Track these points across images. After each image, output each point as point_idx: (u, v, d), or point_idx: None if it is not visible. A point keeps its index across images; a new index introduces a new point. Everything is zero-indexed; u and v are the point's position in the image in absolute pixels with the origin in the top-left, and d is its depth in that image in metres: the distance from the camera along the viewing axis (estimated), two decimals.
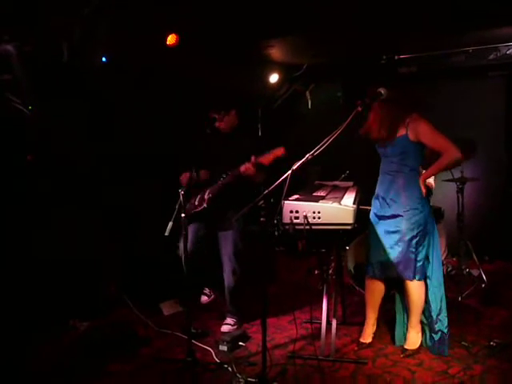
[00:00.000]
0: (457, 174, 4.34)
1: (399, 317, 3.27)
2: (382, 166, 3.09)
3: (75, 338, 3.46)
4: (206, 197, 3.50)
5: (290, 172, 2.33)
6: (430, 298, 3.06)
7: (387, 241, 2.99)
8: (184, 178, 3.55)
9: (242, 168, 3.29)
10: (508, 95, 5.33)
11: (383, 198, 3.02)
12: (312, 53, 5.14)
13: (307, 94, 5.92)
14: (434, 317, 3.06)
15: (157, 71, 4.15)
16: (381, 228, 3.03)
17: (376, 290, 3.17)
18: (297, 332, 3.06)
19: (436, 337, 3.07)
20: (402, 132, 2.90)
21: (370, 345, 3.24)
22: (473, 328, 3.50)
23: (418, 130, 2.87)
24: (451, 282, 4.31)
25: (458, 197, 4.35)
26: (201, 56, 4.44)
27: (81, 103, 3.67)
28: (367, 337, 3.24)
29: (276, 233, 2.68)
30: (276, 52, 5.17)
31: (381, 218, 3.03)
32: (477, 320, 3.66)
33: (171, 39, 3.89)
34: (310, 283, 4.45)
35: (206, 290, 3.78)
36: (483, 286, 4.29)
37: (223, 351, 3.22)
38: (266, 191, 2.35)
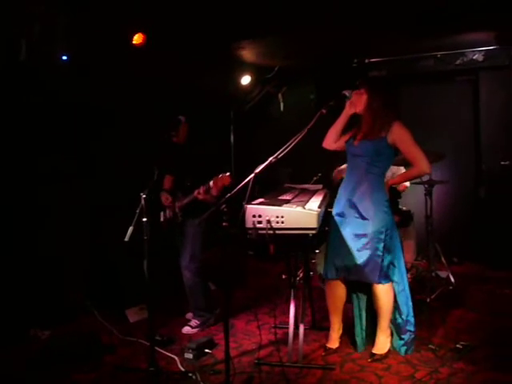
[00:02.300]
0: (425, 177, 4.36)
1: (358, 321, 3.24)
2: (350, 165, 3.08)
3: (37, 347, 3.33)
4: (178, 211, 3.70)
5: (252, 175, 2.28)
6: (399, 301, 3.08)
7: (354, 244, 2.96)
8: (167, 181, 3.88)
9: (195, 193, 3.47)
10: (474, 99, 5.41)
11: (349, 199, 2.99)
12: (283, 55, 5.12)
13: (279, 96, 5.89)
14: (404, 318, 3.09)
15: (123, 71, 4.05)
16: (346, 230, 2.99)
17: (338, 294, 3.14)
18: (261, 338, 3.02)
19: (406, 337, 3.10)
20: (383, 133, 2.92)
21: (337, 350, 3.21)
22: (440, 331, 3.51)
23: (398, 136, 2.90)
24: (420, 284, 4.33)
25: (426, 199, 4.37)
26: (169, 57, 4.37)
27: (38, 103, 3.55)
28: (334, 342, 3.21)
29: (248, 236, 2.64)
30: (247, 53, 5.15)
31: (346, 219, 3.00)
32: (444, 322, 3.67)
33: (138, 39, 3.82)
34: (281, 288, 4.42)
35: (191, 322, 3.73)
36: (451, 288, 4.32)
37: (188, 359, 3.14)
38: (228, 195, 2.30)
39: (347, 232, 2.98)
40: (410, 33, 4.54)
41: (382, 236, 2.93)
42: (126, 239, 2.66)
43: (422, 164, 2.90)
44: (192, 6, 3.62)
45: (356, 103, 3.00)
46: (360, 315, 3.22)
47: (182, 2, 3.53)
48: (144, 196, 2.76)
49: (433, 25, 4.28)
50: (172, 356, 3.21)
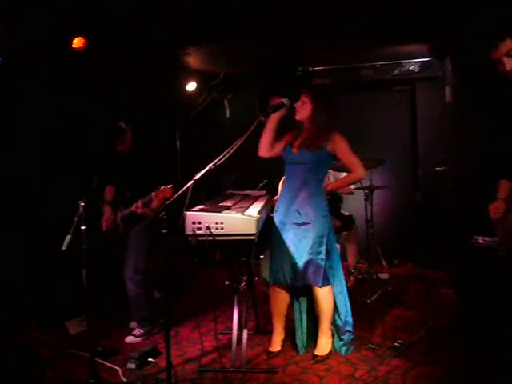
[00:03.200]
0: (366, 182, 4.52)
1: (298, 324, 3.31)
2: (290, 172, 3.15)
3: None
4: (120, 223, 3.63)
5: (191, 182, 2.28)
6: (338, 302, 3.19)
7: (297, 249, 3.03)
8: (109, 191, 3.76)
9: (134, 207, 3.43)
10: (411, 107, 5.67)
11: (290, 205, 3.07)
12: (227, 62, 5.17)
13: (225, 102, 5.93)
14: (343, 319, 3.21)
15: (63, 75, 3.94)
16: (288, 235, 3.07)
17: (280, 298, 3.21)
18: (202, 345, 3.02)
19: (345, 338, 3.22)
20: (323, 142, 3.03)
21: (280, 353, 3.26)
22: (379, 330, 3.64)
23: (337, 146, 3.04)
24: (361, 286, 4.47)
25: (365, 204, 4.53)
26: (113, 62, 4.31)
27: None
28: (276, 345, 3.26)
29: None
30: (193, 60, 5.15)
31: (287, 225, 3.08)
32: (383, 322, 3.81)
33: (78, 42, 3.74)
34: (226, 294, 4.41)
35: (135, 331, 3.67)
36: (390, 288, 4.49)
37: (131, 369, 3.09)
38: (168, 202, 2.29)
39: (290, 238, 3.06)
40: (352, 43, 4.72)
41: (324, 240, 3.03)
42: (64, 248, 2.59)
43: (360, 170, 3.09)
44: (138, 12, 3.59)
45: (299, 110, 3.07)
46: (301, 319, 3.30)
47: (129, 9, 3.49)
48: (82, 204, 2.70)
49: (372, 36, 4.47)
50: (114, 367, 3.15)
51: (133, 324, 3.80)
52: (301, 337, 3.29)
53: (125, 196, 3.59)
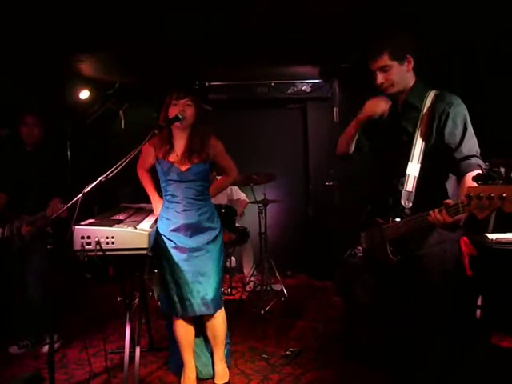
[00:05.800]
0: (260, 196, 4.67)
1: (205, 353, 3.11)
2: (181, 192, 2.81)
3: None
4: (15, 233, 3.29)
5: (80, 195, 2.18)
6: None
7: (205, 273, 2.80)
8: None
9: (23, 231, 3.24)
10: (304, 125, 5.99)
11: (190, 227, 2.80)
12: (122, 72, 5.06)
13: (121, 113, 5.76)
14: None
15: None
16: (194, 260, 2.79)
17: (190, 329, 2.93)
18: (91, 367, 2.87)
19: (226, 351, 3.09)
20: (206, 151, 2.84)
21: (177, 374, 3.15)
22: (273, 340, 3.75)
23: (218, 150, 2.91)
24: (256, 298, 4.57)
25: (259, 217, 4.67)
26: None
27: None
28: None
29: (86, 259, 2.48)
30: (86, 67, 4.96)
31: (188, 250, 2.79)
32: (277, 332, 3.92)
33: None
34: (118, 310, 4.25)
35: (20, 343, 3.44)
36: (283, 299, 4.64)
37: None
38: (54, 215, 2.16)
39: (194, 262, 2.80)
40: (248, 62, 4.88)
41: (223, 254, 2.95)
42: None
43: (236, 171, 3.06)
44: (28, 15, 3.38)
45: (183, 113, 2.77)
46: (207, 347, 3.10)
47: (16, 7, 3.27)
48: None
49: (267, 56, 4.66)
50: None
51: (13, 348, 3.50)
52: (207, 362, 3.09)
53: (26, 205, 3.29)
